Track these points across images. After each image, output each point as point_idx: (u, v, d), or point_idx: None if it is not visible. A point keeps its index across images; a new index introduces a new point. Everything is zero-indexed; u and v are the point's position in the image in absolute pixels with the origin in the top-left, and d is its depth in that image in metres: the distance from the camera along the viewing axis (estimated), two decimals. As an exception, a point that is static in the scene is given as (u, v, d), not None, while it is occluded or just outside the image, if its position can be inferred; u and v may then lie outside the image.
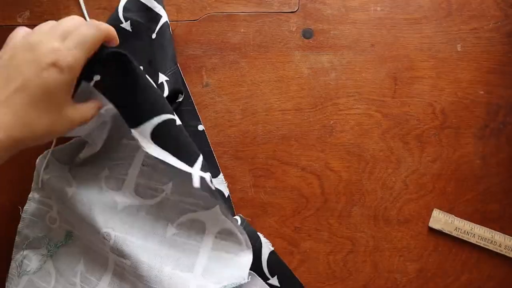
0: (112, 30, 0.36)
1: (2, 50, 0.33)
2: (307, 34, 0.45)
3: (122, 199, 0.41)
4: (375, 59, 0.45)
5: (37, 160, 0.42)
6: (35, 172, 0.42)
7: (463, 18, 0.45)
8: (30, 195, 0.43)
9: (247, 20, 0.46)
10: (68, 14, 0.39)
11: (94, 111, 0.37)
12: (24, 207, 0.43)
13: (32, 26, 0.34)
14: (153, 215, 0.42)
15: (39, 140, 0.33)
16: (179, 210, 0.42)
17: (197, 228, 0.41)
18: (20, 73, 0.31)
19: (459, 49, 0.45)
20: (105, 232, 0.39)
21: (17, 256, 0.43)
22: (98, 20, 0.36)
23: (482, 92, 0.44)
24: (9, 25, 0.46)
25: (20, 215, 0.43)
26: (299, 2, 0.46)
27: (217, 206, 0.41)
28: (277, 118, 0.45)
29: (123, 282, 0.41)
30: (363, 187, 0.44)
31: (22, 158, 0.44)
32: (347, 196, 0.44)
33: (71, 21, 0.34)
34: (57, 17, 0.45)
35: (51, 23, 0.34)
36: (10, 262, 0.43)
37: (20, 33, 0.34)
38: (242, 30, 0.46)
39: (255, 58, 0.45)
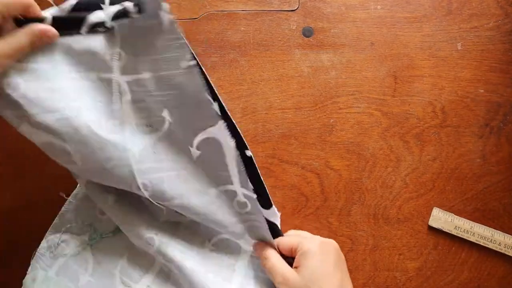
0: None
1: None
2: (307, 32, 0.45)
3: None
4: (375, 57, 0.45)
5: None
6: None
7: (463, 16, 0.45)
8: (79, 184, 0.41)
9: (247, 18, 0.46)
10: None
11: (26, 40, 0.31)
12: (74, 192, 0.42)
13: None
14: (191, 229, 0.41)
15: None
16: (213, 233, 0.41)
17: (233, 248, 0.41)
18: None
19: (459, 47, 0.45)
20: (148, 237, 0.38)
21: (51, 237, 0.41)
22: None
23: (482, 91, 0.44)
24: None
25: (22, 215, 0.43)
26: (299, 1, 0.45)
27: (246, 235, 0.39)
28: (277, 117, 0.45)
29: (168, 282, 0.40)
30: (363, 186, 0.44)
31: (23, 155, 0.45)
32: (347, 194, 0.44)
33: None
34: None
35: None
36: (11, 259, 0.43)
37: None
38: (242, 28, 0.45)
39: (255, 56, 0.45)
